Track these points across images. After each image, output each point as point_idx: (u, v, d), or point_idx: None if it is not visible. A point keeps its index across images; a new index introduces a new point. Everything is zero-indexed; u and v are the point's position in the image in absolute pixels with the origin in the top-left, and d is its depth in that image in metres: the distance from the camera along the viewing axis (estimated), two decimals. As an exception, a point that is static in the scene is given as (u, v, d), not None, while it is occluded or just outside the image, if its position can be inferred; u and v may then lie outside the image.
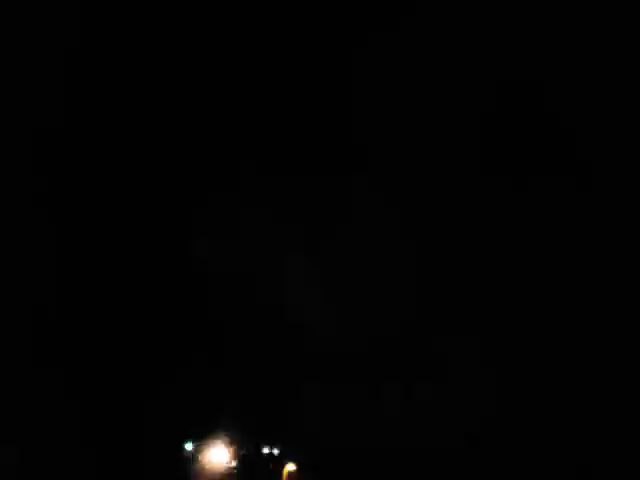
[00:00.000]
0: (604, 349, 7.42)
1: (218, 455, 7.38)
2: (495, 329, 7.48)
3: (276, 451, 7.43)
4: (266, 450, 7.47)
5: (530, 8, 7.44)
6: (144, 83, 7.68)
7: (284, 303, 7.70)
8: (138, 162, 7.76)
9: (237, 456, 7.42)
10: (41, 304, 7.50)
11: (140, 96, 7.65)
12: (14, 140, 7.65)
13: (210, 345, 7.64)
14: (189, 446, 7.37)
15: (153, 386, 7.52)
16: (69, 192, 7.75)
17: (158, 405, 7.47)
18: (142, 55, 7.60)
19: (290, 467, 7.28)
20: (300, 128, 7.81)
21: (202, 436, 7.44)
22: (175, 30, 7.55)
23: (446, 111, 7.68)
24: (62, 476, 7.19)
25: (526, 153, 7.61)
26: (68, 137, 7.81)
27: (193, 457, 7.32)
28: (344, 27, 7.62)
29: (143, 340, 7.53)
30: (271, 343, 7.68)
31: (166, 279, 7.75)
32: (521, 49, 7.55)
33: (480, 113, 7.60)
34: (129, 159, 7.74)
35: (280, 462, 7.36)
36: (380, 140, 7.90)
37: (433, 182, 7.88)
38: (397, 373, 7.44)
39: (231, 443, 7.39)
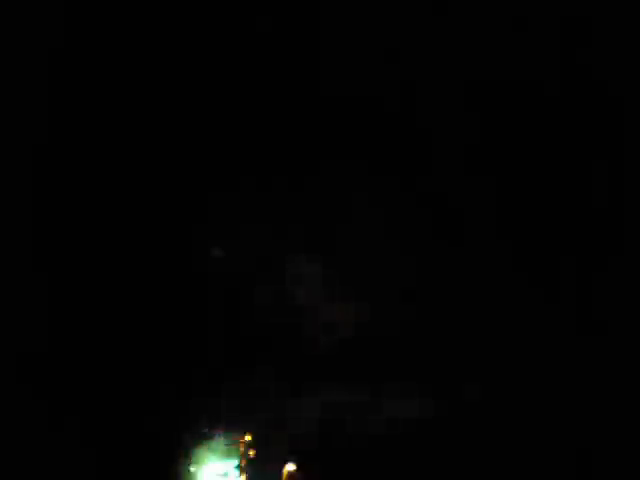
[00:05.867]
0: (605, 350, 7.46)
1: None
2: (495, 329, 7.54)
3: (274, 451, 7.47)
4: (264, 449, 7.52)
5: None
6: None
7: (283, 303, 7.72)
8: (133, 164, 7.79)
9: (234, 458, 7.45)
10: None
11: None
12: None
13: (208, 346, 7.67)
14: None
15: (151, 391, 7.55)
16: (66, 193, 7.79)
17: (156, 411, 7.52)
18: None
19: (290, 467, 7.30)
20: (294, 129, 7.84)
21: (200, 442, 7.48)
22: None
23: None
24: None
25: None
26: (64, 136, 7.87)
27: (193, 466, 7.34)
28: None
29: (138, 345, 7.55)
30: (271, 343, 7.74)
31: (163, 281, 7.77)
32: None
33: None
34: (123, 161, 7.75)
35: (279, 462, 7.41)
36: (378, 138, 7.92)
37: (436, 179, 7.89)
38: (397, 373, 7.42)
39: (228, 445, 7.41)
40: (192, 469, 7.46)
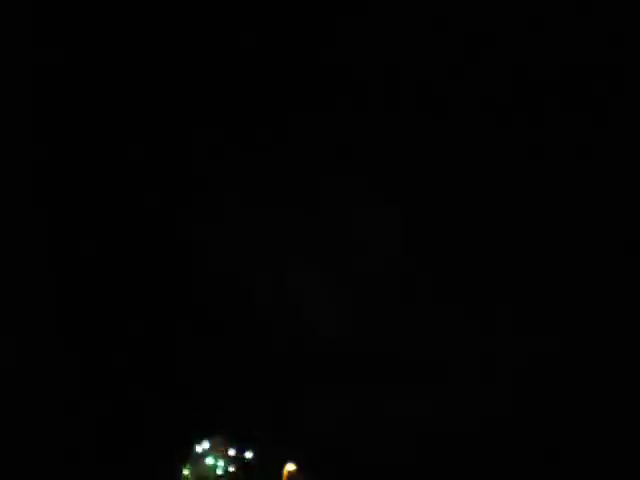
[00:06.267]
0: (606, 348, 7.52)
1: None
2: (497, 329, 7.63)
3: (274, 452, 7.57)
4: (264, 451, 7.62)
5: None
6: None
7: (284, 303, 7.89)
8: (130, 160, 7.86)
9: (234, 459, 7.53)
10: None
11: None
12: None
13: (208, 344, 7.78)
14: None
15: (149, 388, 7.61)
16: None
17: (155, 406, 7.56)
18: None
19: (290, 467, 7.44)
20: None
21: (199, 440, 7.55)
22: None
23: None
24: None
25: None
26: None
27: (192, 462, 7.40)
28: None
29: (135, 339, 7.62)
30: (271, 343, 7.86)
31: (162, 277, 7.87)
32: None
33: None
34: (123, 155, 7.82)
35: (279, 462, 7.51)
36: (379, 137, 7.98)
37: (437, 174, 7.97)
38: (398, 373, 7.67)
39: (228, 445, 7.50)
40: (189, 471, 7.57)
